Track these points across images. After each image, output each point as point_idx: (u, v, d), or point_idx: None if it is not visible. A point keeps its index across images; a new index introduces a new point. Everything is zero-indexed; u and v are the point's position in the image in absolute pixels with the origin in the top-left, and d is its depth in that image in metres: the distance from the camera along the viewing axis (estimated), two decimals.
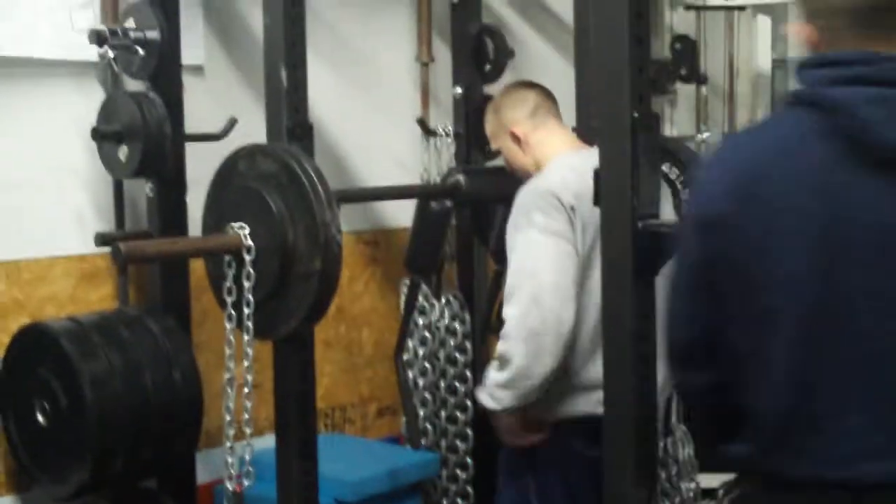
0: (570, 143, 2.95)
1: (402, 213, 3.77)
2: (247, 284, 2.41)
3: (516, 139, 2.92)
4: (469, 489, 3.89)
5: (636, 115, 2.10)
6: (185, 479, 3.16)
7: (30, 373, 2.87)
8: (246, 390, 2.48)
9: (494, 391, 2.70)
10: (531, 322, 2.61)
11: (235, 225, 2.43)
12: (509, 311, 2.65)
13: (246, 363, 2.47)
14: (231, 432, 2.52)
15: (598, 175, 2.15)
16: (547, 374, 2.63)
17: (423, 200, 3.20)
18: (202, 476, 3.26)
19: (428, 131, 3.94)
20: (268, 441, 2.80)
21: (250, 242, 2.40)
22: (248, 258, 2.40)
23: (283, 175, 2.36)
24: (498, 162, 3.90)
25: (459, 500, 3.90)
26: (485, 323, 3.61)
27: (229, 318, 2.46)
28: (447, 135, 3.90)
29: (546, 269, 2.63)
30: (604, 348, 2.22)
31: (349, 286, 3.84)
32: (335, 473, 3.18)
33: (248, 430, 2.49)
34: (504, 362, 2.65)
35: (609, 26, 2.13)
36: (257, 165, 2.42)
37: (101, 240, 3.08)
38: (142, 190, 3.14)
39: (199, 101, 3.25)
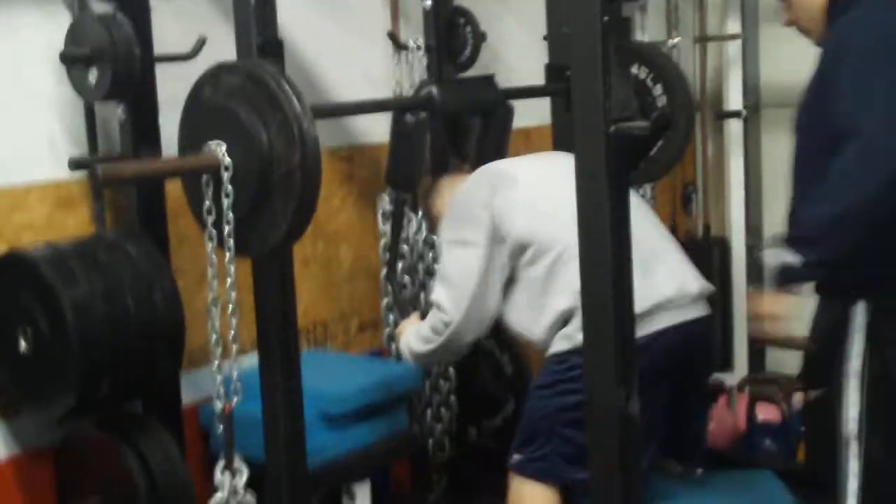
0: None
1: (376, 129, 3.78)
2: (226, 202, 2.41)
3: None
4: (452, 399, 3.95)
5: (606, 18, 2.11)
6: (170, 400, 3.18)
7: (10, 300, 2.88)
8: (230, 308, 2.50)
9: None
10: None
11: (212, 143, 2.42)
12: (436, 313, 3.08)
13: (229, 281, 2.49)
14: (217, 351, 2.53)
15: (569, 80, 2.16)
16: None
17: (398, 113, 3.21)
18: (186, 397, 3.28)
19: (399, 46, 3.93)
20: (250, 361, 2.82)
21: (227, 160, 2.40)
22: (225, 175, 2.40)
23: (249, 84, 2.36)
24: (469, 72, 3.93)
25: (443, 410, 3.96)
26: None
27: (210, 237, 2.47)
28: (418, 48, 3.88)
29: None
30: (580, 250, 2.25)
31: (326, 203, 3.84)
32: (320, 388, 3.21)
33: (233, 349, 2.51)
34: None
35: None
36: (224, 82, 2.41)
37: (76, 164, 3.08)
38: (113, 114, 3.12)
39: (167, 22, 3.22)
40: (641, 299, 2.51)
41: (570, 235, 2.67)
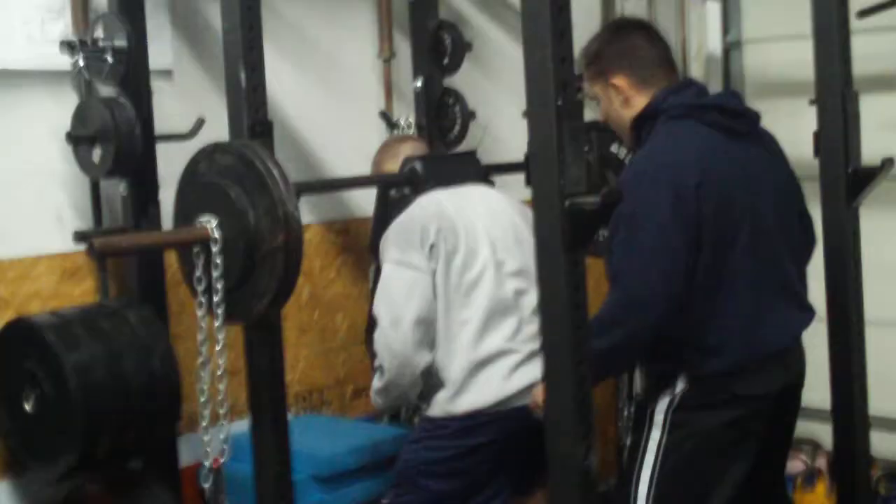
0: None
1: (370, 203, 3.94)
2: (215, 273, 2.58)
3: None
4: None
5: (560, 103, 2.28)
6: (168, 461, 3.33)
7: (17, 364, 3.04)
8: (218, 373, 2.66)
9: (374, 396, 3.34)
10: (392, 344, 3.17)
11: (203, 218, 2.59)
12: (376, 335, 3.21)
13: (218, 347, 2.65)
14: (206, 414, 2.68)
15: (528, 159, 2.34)
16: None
17: (383, 188, 3.40)
18: (187, 458, 3.43)
19: (391, 124, 4.12)
20: (244, 423, 2.96)
21: (216, 234, 2.57)
22: (214, 248, 2.57)
23: (240, 165, 2.52)
24: (459, 149, 4.11)
25: None
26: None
27: (200, 305, 2.63)
28: (409, 127, 4.08)
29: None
30: (541, 318, 2.39)
31: (322, 274, 4.02)
32: (311, 450, 3.37)
33: (221, 412, 2.65)
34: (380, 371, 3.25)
35: (533, 20, 2.31)
36: (217, 161, 2.58)
37: (80, 237, 3.27)
38: (117, 189, 3.31)
39: (169, 103, 3.43)
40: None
41: (487, 301, 3.16)
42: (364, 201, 4.04)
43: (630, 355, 2.94)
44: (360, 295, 4.11)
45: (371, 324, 3.58)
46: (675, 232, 2.73)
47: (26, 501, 3.26)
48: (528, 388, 3.18)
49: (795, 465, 4.22)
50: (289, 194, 2.49)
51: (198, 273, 2.60)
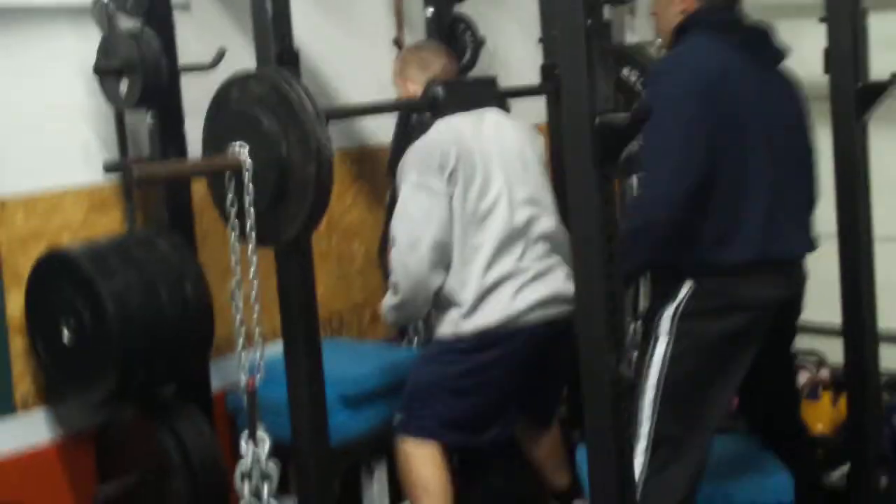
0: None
1: (384, 131, 4.00)
2: (247, 198, 2.64)
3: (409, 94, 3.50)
4: None
5: (589, 22, 2.35)
6: (200, 384, 3.42)
7: (53, 295, 3.11)
8: (253, 294, 2.72)
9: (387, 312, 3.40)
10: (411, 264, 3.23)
11: (235, 145, 2.66)
12: (392, 254, 3.27)
13: (252, 269, 2.71)
14: (241, 337, 2.75)
15: (558, 78, 2.40)
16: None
17: (404, 113, 3.46)
18: (215, 383, 3.52)
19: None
20: (273, 349, 3.03)
21: (248, 160, 2.63)
22: (246, 175, 2.63)
23: (273, 95, 2.58)
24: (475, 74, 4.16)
25: None
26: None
27: (232, 229, 2.69)
28: None
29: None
30: (572, 234, 2.48)
31: (338, 201, 4.08)
32: (337, 372, 3.44)
33: (255, 335, 2.72)
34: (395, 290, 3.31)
35: None
36: (249, 89, 2.64)
37: (112, 168, 3.33)
38: (141, 121, 3.37)
39: (188, 36, 3.47)
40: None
41: (500, 227, 3.23)
42: (378, 128, 4.11)
43: (651, 244, 2.96)
44: (376, 221, 4.17)
45: (385, 242, 3.67)
46: (695, 122, 2.88)
47: (64, 428, 3.35)
48: (535, 306, 3.30)
49: (801, 377, 4.32)
50: (321, 126, 2.55)
51: (230, 199, 2.67)
